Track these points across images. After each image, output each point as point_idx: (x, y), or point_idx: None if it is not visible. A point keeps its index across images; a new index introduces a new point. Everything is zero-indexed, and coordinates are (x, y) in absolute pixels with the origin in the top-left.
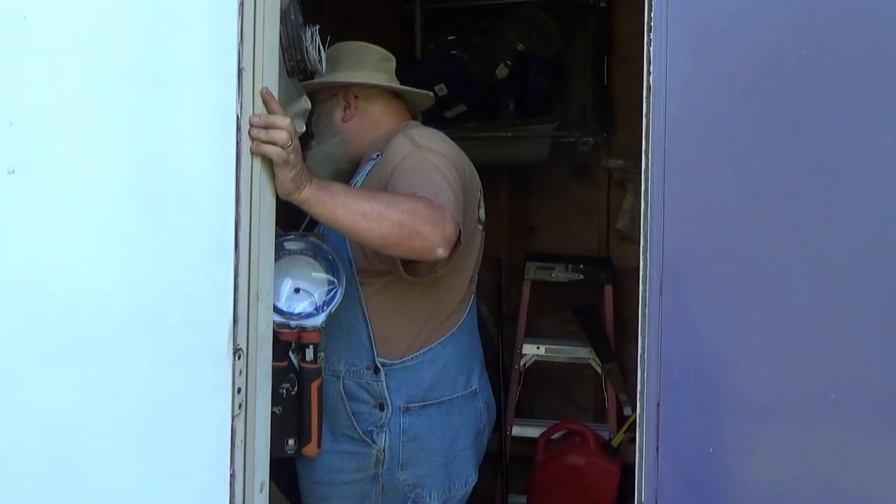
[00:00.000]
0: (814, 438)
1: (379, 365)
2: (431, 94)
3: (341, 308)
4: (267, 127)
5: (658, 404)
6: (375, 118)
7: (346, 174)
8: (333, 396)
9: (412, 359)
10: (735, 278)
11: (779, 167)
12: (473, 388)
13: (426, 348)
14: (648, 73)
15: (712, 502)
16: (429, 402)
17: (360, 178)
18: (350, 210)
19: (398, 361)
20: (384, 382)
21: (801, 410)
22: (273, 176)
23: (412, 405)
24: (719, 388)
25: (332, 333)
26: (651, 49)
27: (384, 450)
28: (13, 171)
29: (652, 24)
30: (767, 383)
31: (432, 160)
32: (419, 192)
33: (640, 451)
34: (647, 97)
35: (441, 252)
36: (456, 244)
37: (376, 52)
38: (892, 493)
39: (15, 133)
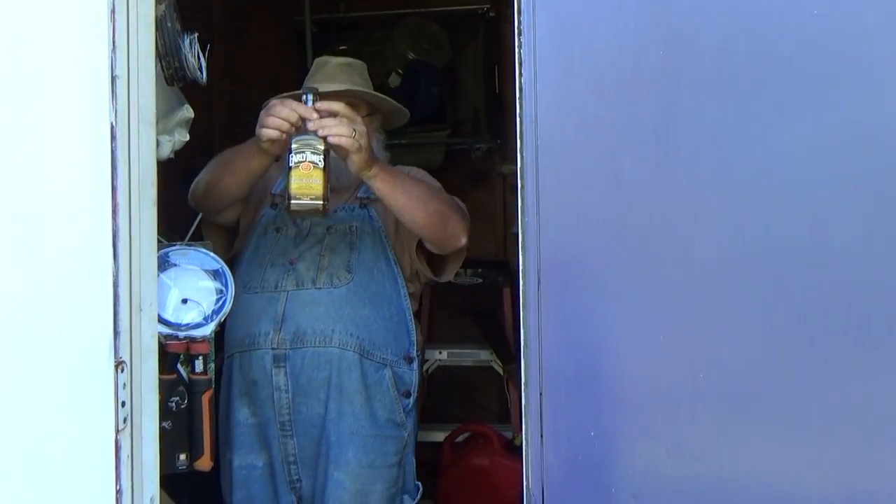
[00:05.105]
0: (683, 418)
1: (414, 356)
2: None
3: (391, 302)
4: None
5: (541, 394)
6: None
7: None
8: (384, 383)
9: (420, 354)
10: (607, 272)
11: (643, 165)
12: None
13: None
14: (520, 74)
15: (595, 484)
16: (416, 394)
17: None
18: (407, 191)
19: (417, 355)
20: (415, 372)
21: (670, 393)
22: (154, 185)
23: (414, 395)
24: (597, 377)
25: (383, 325)
26: (521, 52)
27: (411, 433)
28: None
29: (521, 27)
30: (640, 370)
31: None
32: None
33: (526, 439)
34: (520, 98)
35: (463, 241)
36: None
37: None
38: (755, 466)
39: None
